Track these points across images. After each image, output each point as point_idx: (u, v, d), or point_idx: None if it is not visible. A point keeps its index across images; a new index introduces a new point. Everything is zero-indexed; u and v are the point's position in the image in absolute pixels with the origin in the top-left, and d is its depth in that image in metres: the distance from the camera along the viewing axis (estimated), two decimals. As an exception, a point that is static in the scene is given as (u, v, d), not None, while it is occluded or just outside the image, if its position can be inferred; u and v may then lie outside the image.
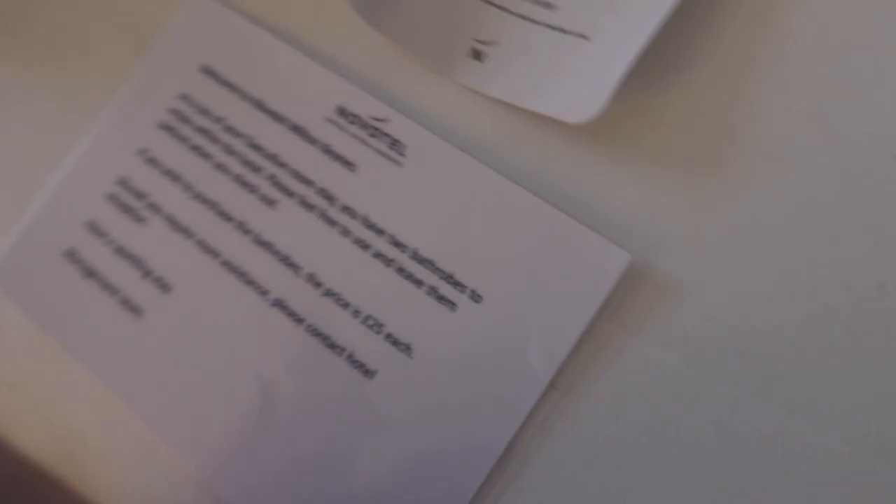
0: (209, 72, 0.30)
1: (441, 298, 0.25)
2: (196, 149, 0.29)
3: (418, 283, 0.26)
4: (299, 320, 0.26)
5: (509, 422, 0.24)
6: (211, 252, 0.28)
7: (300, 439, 0.26)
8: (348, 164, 0.28)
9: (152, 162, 0.30)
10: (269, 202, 0.28)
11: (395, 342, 0.25)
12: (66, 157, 0.31)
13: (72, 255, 0.30)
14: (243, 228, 0.28)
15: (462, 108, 0.27)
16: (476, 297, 0.25)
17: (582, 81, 0.25)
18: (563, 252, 0.25)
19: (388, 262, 0.26)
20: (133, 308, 0.28)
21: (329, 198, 0.27)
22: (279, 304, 0.27)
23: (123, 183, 0.30)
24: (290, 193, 0.28)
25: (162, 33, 0.31)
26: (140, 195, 0.29)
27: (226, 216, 0.28)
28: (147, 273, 0.28)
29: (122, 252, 0.29)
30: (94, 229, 0.30)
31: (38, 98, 0.32)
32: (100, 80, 0.31)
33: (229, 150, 0.29)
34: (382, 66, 0.28)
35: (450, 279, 0.25)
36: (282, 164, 0.28)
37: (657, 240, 0.24)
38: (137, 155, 0.30)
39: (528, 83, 0.26)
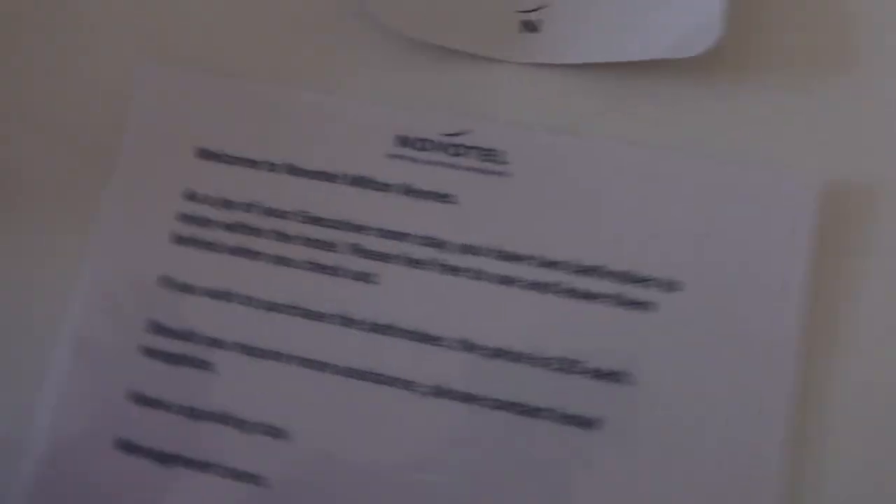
0: (208, 154, 0.23)
1: (635, 304, 0.20)
2: (236, 251, 0.22)
3: (593, 297, 0.20)
4: (471, 399, 0.20)
5: (778, 401, 0.19)
6: (316, 366, 0.21)
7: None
8: (443, 197, 0.22)
9: (184, 288, 0.22)
10: (364, 277, 0.21)
11: (603, 375, 0.20)
12: (65, 321, 0.22)
13: (127, 445, 0.21)
14: (346, 320, 0.21)
15: (542, 90, 0.22)
16: (674, 286, 0.20)
17: (679, 10, 0.21)
18: (744, 200, 0.20)
19: (547, 287, 0.21)
20: (248, 477, 0.21)
21: (437, 244, 0.21)
22: (437, 392, 0.21)
23: (157, 328, 0.22)
24: (385, 258, 0.21)
25: (126, 133, 0.23)
26: (185, 335, 0.22)
27: (315, 315, 0.21)
28: (243, 425, 0.21)
29: (195, 414, 0.21)
30: (142, 400, 0.22)
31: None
32: (72, 219, 0.23)
33: (282, 237, 0.22)
34: (426, 76, 0.22)
35: (631, 278, 0.20)
36: (359, 228, 0.22)
37: (832, 152, 0.21)
38: (160, 286, 0.22)
39: (610, 34, 0.22)
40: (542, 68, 0.22)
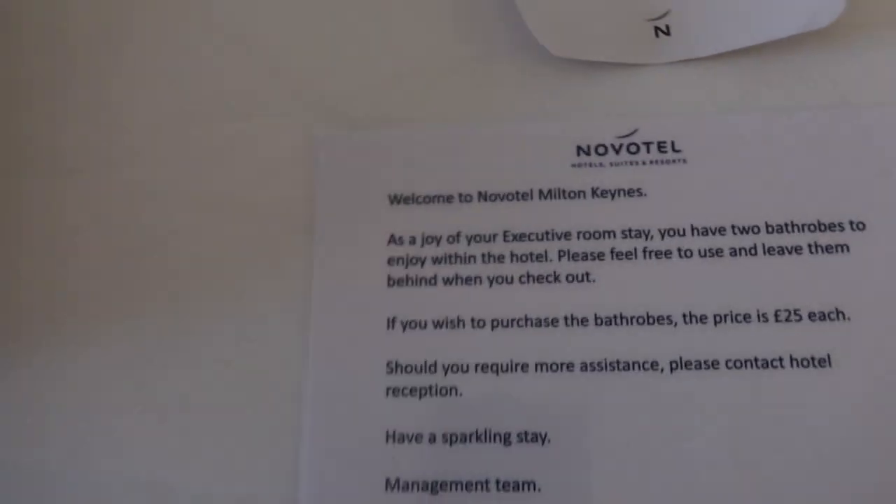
0: (400, 199, 0.24)
1: (829, 248, 0.22)
2: (451, 280, 0.23)
3: (796, 249, 0.22)
4: (712, 365, 0.22)
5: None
6: (560, 366, 0.22)
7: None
8: (633, 192, 0.23)
9: (412, 325, 0.23)
10: (580, 278, 0.23)
11: (824, 316, 0.22)
12: (303, 385, 0.22)
13: (397, 484, 0.22)
14: (573, 320, 0.22)
15: (691, 81, 0.24)
16: (859, 226, 0.22)
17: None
18: (891, 139, 0.23)
19: (750, 250, 0.22)
20: (518, 486, 0.21)
21: (639, 234, 0.23)
22: (679, 365, 0.22)
23: (396, 367, 0.22)
24: (595, 256, 0.23)
25: (317, 197, 0.24)
26: (425, 368, 0.22)
27: (544, 322, 0.22)
28: (507, 441, 0.22)
29: (455, 439, 0.22)
30: (400, 438, 0.22)
31: (235, 343, 0.23)
32: (286, 288, 0.23)
33: (492, 258, 0.23)
34: (584, 90, 0.24)
35: (821, 227, 0.22)
36: (561, 236, 0.23)
37: None
38: (388, 330, 0.23)
39: (741, 22, 0.24)
40: (686, 63, 0.24)
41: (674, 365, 0.22)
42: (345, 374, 0.22)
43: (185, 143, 0.25)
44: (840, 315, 0.22)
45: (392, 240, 0.23)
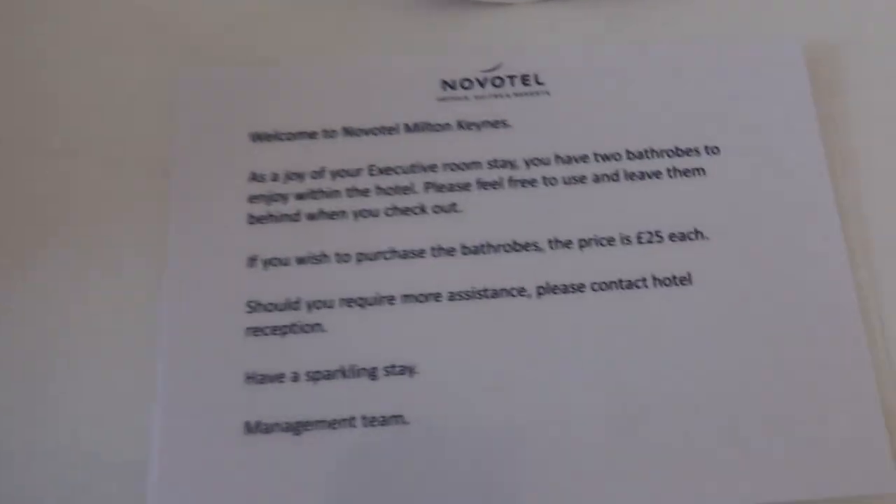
0: (263, 137, 0.22)
1: (686, 172, 0.22)
2: (315, 216, 0.22)
3: (655, 174, 0.22)
4: (578, 288, 0.21)
5: (827, 217, 0.22)
6: (427, 297, 0.21)
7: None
8: (498, 124, 0.23)
9: (273, 262, 0.21)
10: (447, 209, 0.22)
11: (683, 236, 0.22)
12: (160, 331, 0.20)
13: (257, 427, 0.20)
14: (440, 251, 0.21)
15: (552, 20, 0.24)
16: (713, 151, 0.22)
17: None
18: (741, 71, 0.23)
19: (612, 176, 0.22)
20: (384, 420, 0.20)
21: (504, 164, 0.22)
22: (546, 290, 0.21)
23: (256, 306, 0.21)
24: (461, 187, 0.22)
25: (175, 132, 0.22)
26: (286, 305, 0.21)
27: (412, 253, 0.21)
28: (373, 375, 0.20)
29: (319, 376, 0.20)
30: (261, 379, 0.20)
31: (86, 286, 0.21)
32: (145, 228, 0.21)
33: (357, 192, 0.22)
34: (449, 28, 0.24)
35: (678, 152, 0.22)
36: (427, 168, 0.22)
37: (808, 19, 0.24)
38: (249, 266, 0.21)
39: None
40: (549, 3, 0.24)
41: (541, 290, 0.21)
42: (201, 317, 0.21)
43: (35, 85, 0.23)
44: (699, 235, 0.22)
45: (253, 177, 0.22)
